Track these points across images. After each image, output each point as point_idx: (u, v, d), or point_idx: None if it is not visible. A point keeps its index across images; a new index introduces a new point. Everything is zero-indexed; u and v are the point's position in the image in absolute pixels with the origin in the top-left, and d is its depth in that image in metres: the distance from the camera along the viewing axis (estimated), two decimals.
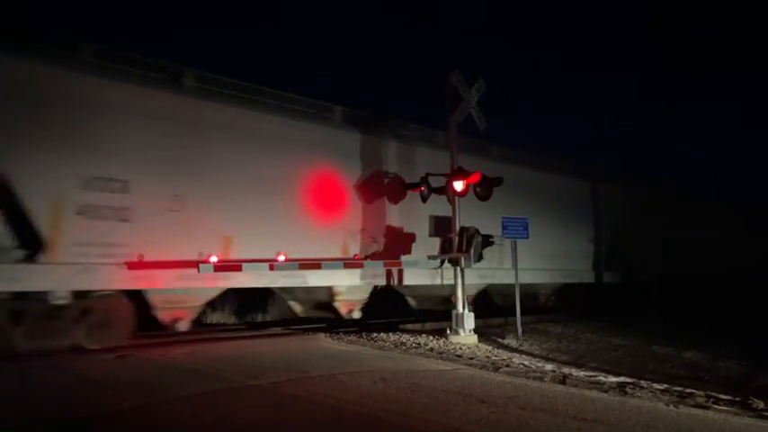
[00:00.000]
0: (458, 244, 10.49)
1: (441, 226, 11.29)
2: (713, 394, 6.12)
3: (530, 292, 15.00)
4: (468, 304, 10.65)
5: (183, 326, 9.16)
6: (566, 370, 7.67)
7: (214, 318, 14.13)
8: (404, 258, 11.38)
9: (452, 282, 10.78)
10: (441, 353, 8.72)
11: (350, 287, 10.99)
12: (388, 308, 13.39)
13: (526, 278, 14.03)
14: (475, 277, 12.27)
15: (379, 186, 11.47)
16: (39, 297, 7.77)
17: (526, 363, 8.18)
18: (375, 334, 10.35)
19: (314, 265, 9.88)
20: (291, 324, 12.49)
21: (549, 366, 7.98)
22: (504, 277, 13.11)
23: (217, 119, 9.45)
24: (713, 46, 69.78)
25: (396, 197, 11.58)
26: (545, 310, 15.29)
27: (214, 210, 9.22)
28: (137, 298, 8.71)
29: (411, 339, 9.94)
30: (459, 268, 10.55)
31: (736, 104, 72.46)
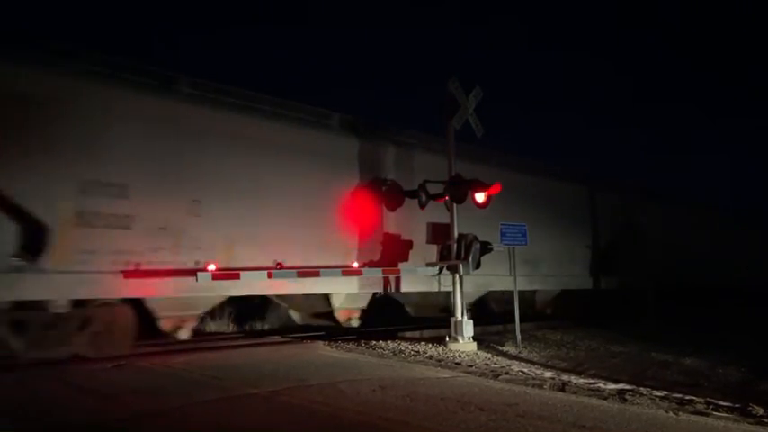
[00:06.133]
0: (456, 251, 10.49)
1: (439, 233, 11.28)
2: (713, 401, 6.11)
3: (526, 299, 15.02)
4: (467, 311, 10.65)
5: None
6: (565, 377, 7.65)
7: (212, 326, 14.05)
8: (402, 266, 11.36)
9: (450, 289, 10.77)
10: (439, 360, 8.69)
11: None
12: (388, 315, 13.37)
13: (523, 285, 14.05)
14: (471, 285, 12.24)
15: (378, 193, 11.47)
16: None
17: (525, 370, 8.16)
18: (374, 342, 10.30)
19: (312, 272, 9.88)
20: (290, 332, 12.44)
21: (548, 373, 7.95)
22: (502, 284, 13.11)
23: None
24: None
25: (394, 204, 11.57)
26: (544, 317, 15.25)
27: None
28: None
29: (410, 347, 9.90)
30: (457, 275, 10.53)
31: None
